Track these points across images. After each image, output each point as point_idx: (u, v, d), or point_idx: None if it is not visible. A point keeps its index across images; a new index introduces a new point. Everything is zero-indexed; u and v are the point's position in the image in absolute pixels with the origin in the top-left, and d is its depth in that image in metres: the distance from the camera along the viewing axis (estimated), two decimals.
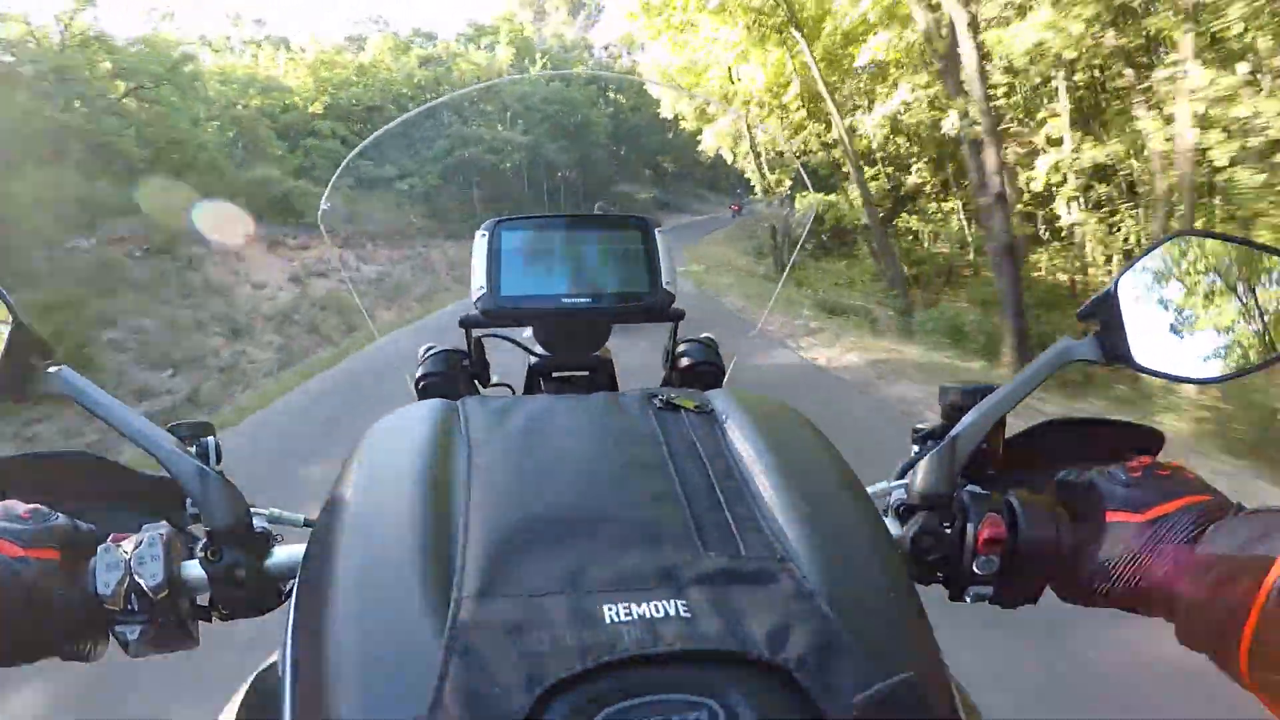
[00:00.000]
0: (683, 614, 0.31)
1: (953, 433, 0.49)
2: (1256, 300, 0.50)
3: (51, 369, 0.49)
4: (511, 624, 0.30)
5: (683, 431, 0.46)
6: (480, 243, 0.67)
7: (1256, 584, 0.35)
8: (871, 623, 0.33)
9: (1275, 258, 0.48)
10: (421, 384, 0.79)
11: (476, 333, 0.77)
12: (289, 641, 0.36)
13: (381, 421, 0.47)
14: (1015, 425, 0.55)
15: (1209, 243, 0.51)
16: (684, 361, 0.81)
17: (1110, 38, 8.34)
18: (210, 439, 0.52)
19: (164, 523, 0.47)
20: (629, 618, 0.31)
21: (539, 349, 0.79)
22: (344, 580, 0.34)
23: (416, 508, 0.37)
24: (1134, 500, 0.44)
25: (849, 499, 0.41)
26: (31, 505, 0.45)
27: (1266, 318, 0.49)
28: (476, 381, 0.82)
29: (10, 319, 0.48)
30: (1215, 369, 0.50)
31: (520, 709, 0.27)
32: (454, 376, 0.79)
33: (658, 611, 0.31)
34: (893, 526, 0.50)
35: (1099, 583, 0.45)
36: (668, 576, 0.33)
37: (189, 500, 0.50)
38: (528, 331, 0.78)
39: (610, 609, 0.31)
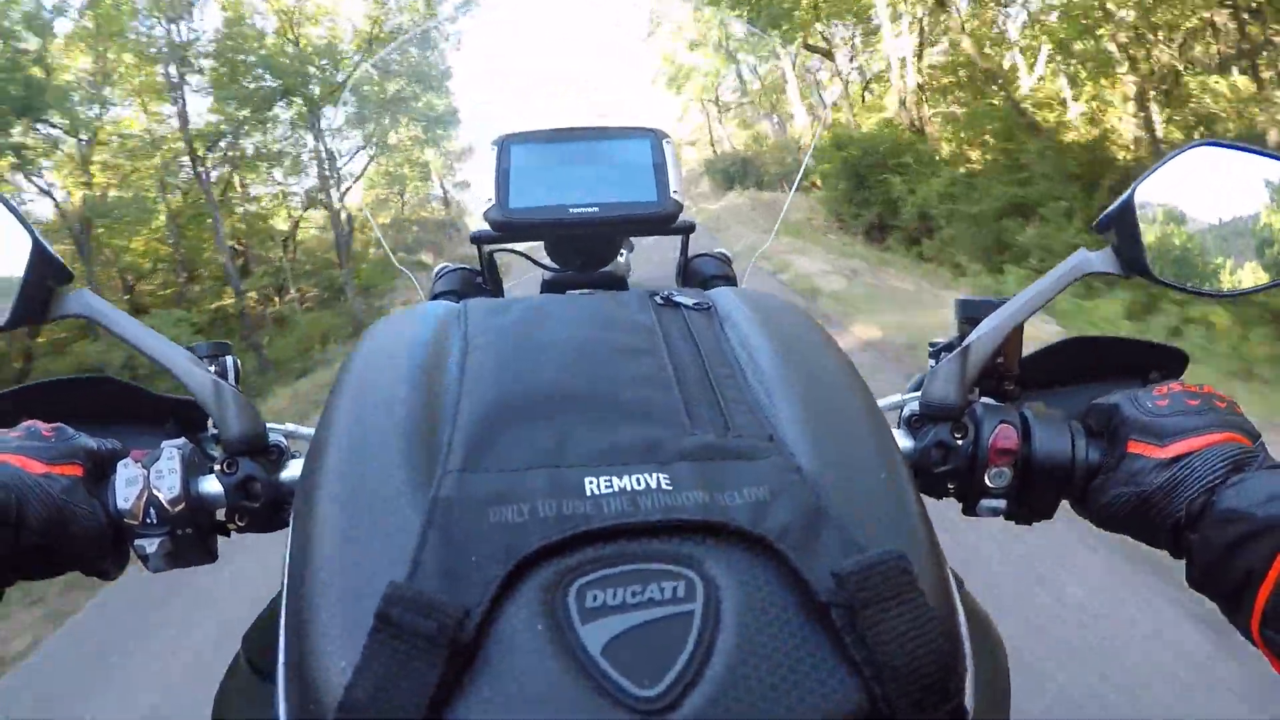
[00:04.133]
0: (664, 486, 0.31)
1: (965, 341, 0.49)
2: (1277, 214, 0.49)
3: (70, 291, 0.50)
4: (491, 496, 0.31)
5: (680, 324, 0.46)
6: (489, 157, 0.67)
7: (1278, 546, 0.35)
8: (859, 498, 0.32)
9: None
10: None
11: (488, 249, 0.77)
12: (289, 543, 0.37)
13: (382, 322, 0.47)
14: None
15: (1230, 153, 0.50)
16: (696, 276, 0.81)
17: None
18: (228, 358, 0.53)
19: (182, 439, 0.48)
20: (610, 489, 0.31)
21: (550, 263, 0.79)
22: (334, 469, 0.34)
23: (409, 395, 0.37)
24: (1158, 431, 0.42)
25: (845, 390, 0.40)
26: (54, 424, 0.46)
27: None
28: None
29: (29, 243, 0.48)
30: (1234, 282, 0.50)
31: (496, 577, 0.27)
32: (466, 294, 0.79)
33: (639, 484, 0.31)
34: (905, 439, 0.50)
35: (1112, 511, 0.44)
36: (652, 451, 0.33)
37: (209, 420, 0.51)
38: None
39: (592, 481, 0.31)
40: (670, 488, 0.31)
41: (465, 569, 0.28)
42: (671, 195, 0.67)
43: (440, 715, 0.25)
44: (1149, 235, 0.48)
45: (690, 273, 0.81)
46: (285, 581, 0.33)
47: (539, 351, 0.41)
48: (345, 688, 0.26)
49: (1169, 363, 0.55)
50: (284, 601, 0.32)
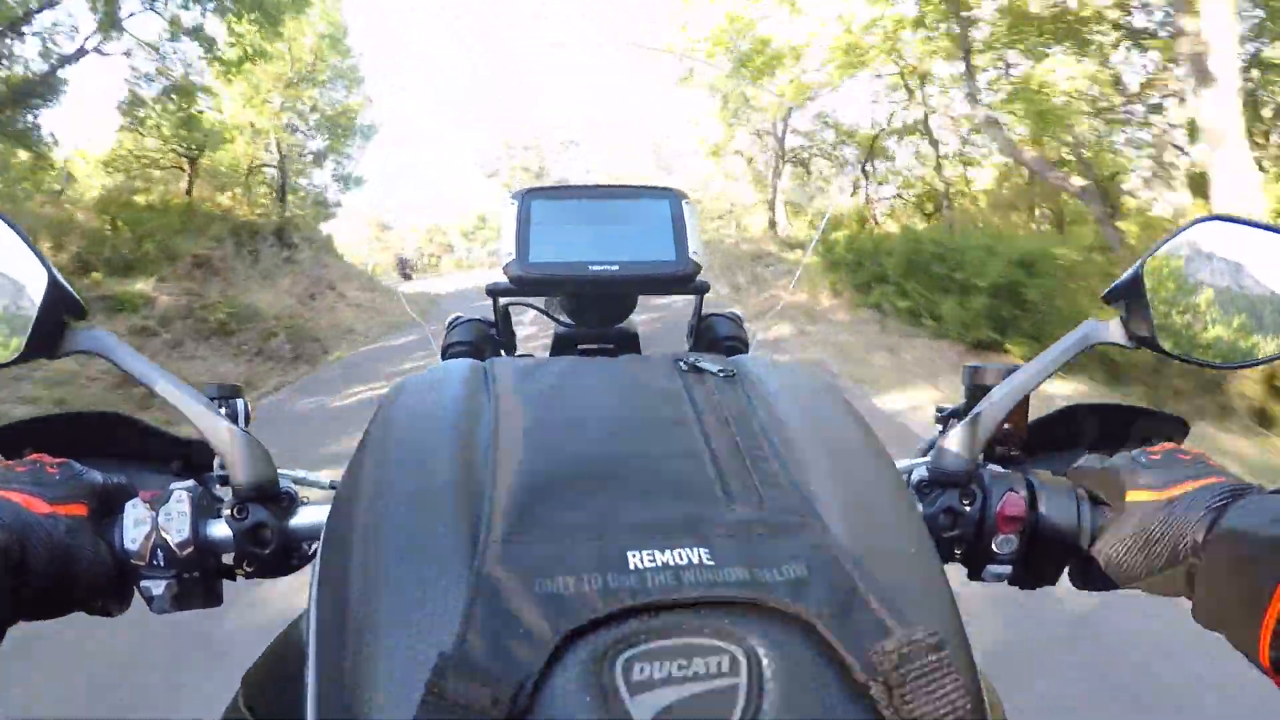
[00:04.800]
0: (706, 562, 0.32)
1: (975, 410, 0.49)
2: None
3: (84, 327, 0.50)
4: (538, 568, 0.31)
5: (708, 393, 0.46)
6: (510, 211, 0.68)
7: (1279, 565, 0.35)
8: (890, 578, 0.33)
9: None
10: (448, 353, 0.81)
11: (504, 302, 0.78)
12: (314, 597, 0.36)
13: (407, 381, 0.47)
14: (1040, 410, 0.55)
15: (1237, 228, 0.51)
16: (709, 335, 0.82)
17: None
18: (240, 401, 0.53)
19: (192, 481, 0.47)
20: (654, 564, 0.31)
21: (565, 317, 0.79)
22: (370, 530, 0.34)
23: (443, 459, 0.38)
24: (1154, 480, 0.44)
25: (871, 462, 0.41)
26: (60, 460, 0.46)
27: None
28: (503, 351, 0.83)
29: (45, 277, 0.48)
30: (1240, 354, 0.50)
31: (543, 649, 0.28)
32: (480, 346, 0.80)
33: (681, 559, 0.32)
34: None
35: (1117, 563, 0.44)
36: (692, 526, 0.34)
37: (217, 461, 0.51)
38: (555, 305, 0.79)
39: (634, 555, 0.32)
40: (712, 563, 0.32)
41: (513, 640, 0.28)
42: (690, 256, 0.69)
43: None
44: (1156, 306, 0.49)
45: (703, 332, 0.83)
46: (312, 640, 0.33)
47: (571, 421, 0.41)
48: None
49: (1171, 429, 0.56)
50: (311, 661, 0.32)
